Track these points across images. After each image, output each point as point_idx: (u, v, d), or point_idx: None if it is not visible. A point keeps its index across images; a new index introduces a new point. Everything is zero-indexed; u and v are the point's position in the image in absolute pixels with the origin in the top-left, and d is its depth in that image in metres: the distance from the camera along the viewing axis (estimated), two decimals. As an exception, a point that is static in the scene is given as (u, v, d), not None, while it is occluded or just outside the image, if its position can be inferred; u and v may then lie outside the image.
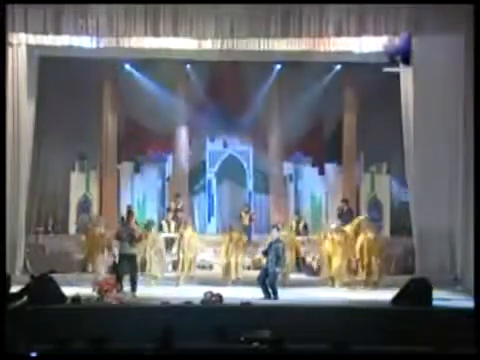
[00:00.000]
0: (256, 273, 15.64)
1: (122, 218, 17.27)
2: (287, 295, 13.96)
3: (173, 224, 18.61)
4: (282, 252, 14.07)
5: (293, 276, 16.45)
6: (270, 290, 13.73)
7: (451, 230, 16.04)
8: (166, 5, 16.03)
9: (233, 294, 13.69)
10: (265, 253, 14.11)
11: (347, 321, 11.77)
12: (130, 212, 15.33)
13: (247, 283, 15.52)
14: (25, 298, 12.29)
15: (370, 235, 15.92)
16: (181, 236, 16.37)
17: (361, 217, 17.32)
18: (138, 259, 14.95)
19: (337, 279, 15.85)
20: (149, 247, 16.09)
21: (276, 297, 13.63)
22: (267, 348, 9.24)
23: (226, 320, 11.63)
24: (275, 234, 14.27)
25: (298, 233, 18.02)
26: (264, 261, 14.28)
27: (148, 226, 16.52)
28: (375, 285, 15.51)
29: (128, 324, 11.61)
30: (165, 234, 18.07)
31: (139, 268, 15.32)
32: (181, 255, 16.18)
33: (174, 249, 16.73)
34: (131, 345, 9.87)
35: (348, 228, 16.50)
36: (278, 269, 13.89)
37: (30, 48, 16.68)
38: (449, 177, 16.02)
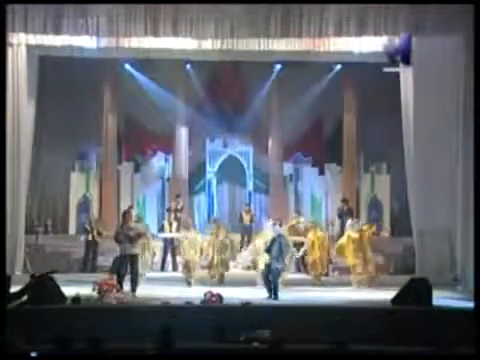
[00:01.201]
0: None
1: (123, 216, 17.27)
2: (287, 295, 13.95)
3: (174, 224, 18.59)
4: (285, 247, 14.05)
5: (293, 276, 16.42)
6: (272, 288, 13.69)
7: (451, 230, 16.04)
8: (166, 5, 16.02)
9: (233, 294, 13.68)
10: (268, 250, 14.05)
11: (347, 321, 11.76)
12: (125, 213, 15.31)
13: (247, 283, 15.53)
14: (25, 298, 12.32)
15: (354, 235, 15.85)
16: (216, 237, 16.30)
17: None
18: (139, 259, 14.90)
19: None
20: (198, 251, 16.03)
21: (276, 297, 13.58)
22: (267, 348, 9.23)
23: (226, 320, 11.63)
24: (277, 229, 14.21)
25: (298, 233, 17.98)
26: (267, 258, 14.20)
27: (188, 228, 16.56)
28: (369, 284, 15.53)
29: (128, 324, 11.60)
30: (166, 234, 18.07)
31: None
32: (216, 257, 16.08)
33: (209, 250, 16.34)
34: (131, 345, 9.88)
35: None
36: (280, 265, 13.86)
37: (30, 48, 16.68)
38: (449, 177, 16.02)
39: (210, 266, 16.10)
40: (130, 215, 15.22)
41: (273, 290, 13.69)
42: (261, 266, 14.81)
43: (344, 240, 15.88)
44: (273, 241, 13.94)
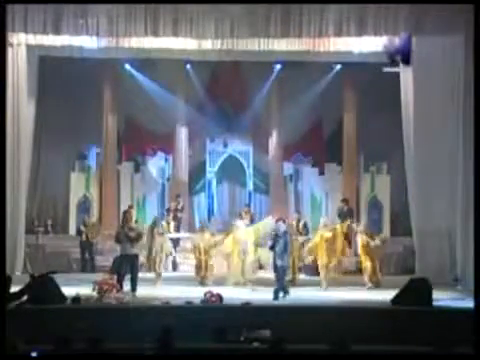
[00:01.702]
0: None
1: (124, 216, 17.29)
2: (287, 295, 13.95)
3: (173, 224, 18.60)
4: (289, 245, 14.06)
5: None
6: (279, 286, 13.70)
7: (451, 230, 16.04)
8: (166, 5, 16.02)
9: (233, 294, 13.68)
10: (272, 247, 14.02)
11: (347, 321, 11.76)
12: (125, 213, 15.30)
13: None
14: (25, 298, 12.32)
15: (327, 235, 15.60)
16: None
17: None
18: (139, 259, 14.90)
19: None
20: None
21: (276, 297, 13.57)
22: (267, 348, 9.24)
23: (226, 320, 11.64)
24: (282, 227, 14.20)
25: (298, 233, 17.95)
26: (271, 256, 14.22)
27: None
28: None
29: (128, 324, 11.61)
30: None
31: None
32: (242, 257, 15.96)
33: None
34: (131, 345, 9.88)
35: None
36: (284, 263, 13.86)
37: (30, 48, 16.68)
38: (449, 177, 16.02)
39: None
40: (130, 215, 15.22)
41: (279, 288, 13.70)
42: (249, 260, 14.94)
43: (317, 239, 15.82)
44: (277, 238, 13.93)
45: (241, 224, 15.89)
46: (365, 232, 15.97)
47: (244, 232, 15.64)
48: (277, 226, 14.28)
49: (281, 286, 13.79)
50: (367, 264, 15.56)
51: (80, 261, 18.51)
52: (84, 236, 18.59)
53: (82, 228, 18.81)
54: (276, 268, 13.87)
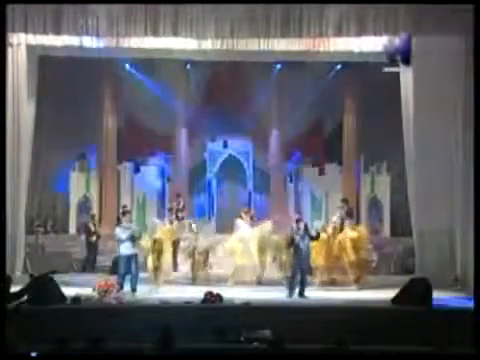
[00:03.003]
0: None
1: (118, 218, 17.29)
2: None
3: (175, 224, 18.58)
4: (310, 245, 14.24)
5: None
6: (302, 286, 13.90)
7: (451, 230, 16.03)
8: (166, 5, 16.02)
9: (233, 294, 13.68)
10: (295, 249, 14.01)
11: (347, 321, 11.76)
12: (126, 212, 15.30)
13: (247, 283, 15.54)
14: (25, 297, 12.33)
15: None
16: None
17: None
18: (139, 258, 14.89)
19: None
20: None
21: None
22: (267, 348, 9.24)
23: (226, 320, 11.64)
24: (301, 228, 14.23)
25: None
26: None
27: None
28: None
29: (128, 324, 11.61)
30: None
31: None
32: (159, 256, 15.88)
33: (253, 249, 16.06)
34: (131, 345, 9.88)
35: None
36: (308, 264, 14.13)
37: (30, 48, 16.65)
38: (449, 177, 16.01)
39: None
40: (132, 214, 15.22)
41: (301, 288, 13.85)
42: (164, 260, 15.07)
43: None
44: (300, 239, 13.97)
45: (159, 222, 15.87)
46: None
47: (161, 232, 15.60)
48: (297, 227, 14.27)
49: (303, 286, 13.94)
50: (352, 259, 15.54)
51: (82, 261, 18.50)
52: (94, 237, 18.58)
53: (93, 229, 18.78)
54: (302, 270, 13.94)
